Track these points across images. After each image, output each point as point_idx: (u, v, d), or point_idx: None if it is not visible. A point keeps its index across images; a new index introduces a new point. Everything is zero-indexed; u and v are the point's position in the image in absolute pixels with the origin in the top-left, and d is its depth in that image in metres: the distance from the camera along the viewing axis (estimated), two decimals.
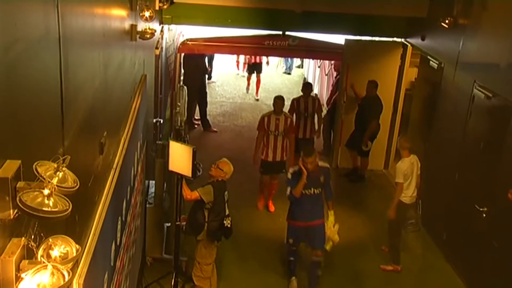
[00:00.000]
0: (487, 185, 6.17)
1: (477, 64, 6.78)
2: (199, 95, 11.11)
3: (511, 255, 5.64)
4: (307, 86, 9.30)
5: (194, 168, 5.43)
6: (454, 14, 7.15)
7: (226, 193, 5.81)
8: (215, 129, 11.34)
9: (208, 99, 11.63)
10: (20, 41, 1.70)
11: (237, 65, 15.61)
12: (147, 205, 6.45)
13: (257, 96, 13.83)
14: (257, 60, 13.86)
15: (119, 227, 3.77)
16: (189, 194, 5.71)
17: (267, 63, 15.01)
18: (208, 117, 11.41)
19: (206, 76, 12.16)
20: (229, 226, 5.82)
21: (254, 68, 13.87)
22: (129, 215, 4.41)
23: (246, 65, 14.40)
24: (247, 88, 14.23)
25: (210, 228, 5.77)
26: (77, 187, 1.68)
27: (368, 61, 9.30)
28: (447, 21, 7.12)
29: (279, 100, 7.90)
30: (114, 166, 3.57)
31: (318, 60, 13.45)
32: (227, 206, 5.84)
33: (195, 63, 10.87)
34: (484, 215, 6.13)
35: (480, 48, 6.74)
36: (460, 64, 7.04)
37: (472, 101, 6.60)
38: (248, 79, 14.20)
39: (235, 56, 15.39)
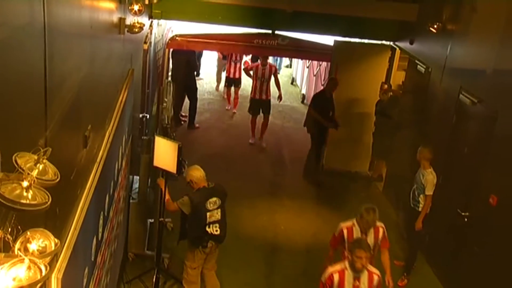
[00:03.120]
0: (470, 190, 6.22)
1: (463, 70, 6.83)
2: (189, 92, 11.07)
3: (491, 260, 5.68)
4: (370, 216, 5.29)
5: (179, 165, 5.40)
6: (442, 20, 7.19)
7: (213, 200, 5.59)
8: (197, 125, 11.28)
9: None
10: (3, 27, 1.66)
11: (228, 99, 12.48)
12: (131, 200, 6.40)
13: (262, 143, 10.60)
14: (263, 96, 10.44)
15: (101, 221, 3.73)
16: (170, 206, 5.64)
17: (280, 98, 11.01)
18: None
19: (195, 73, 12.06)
20: (215, 233, 5.63)
21: (260, 106, 10.50)
22: (112, 210, 4.37)
23: (248, 102, 11.12)
24: (252, 137, 10.64)
25: (189, 235, 5.69)
26: (57, 180, 1.64)
27: (356, 63, 9.33)
28: (435, 26, 7.16)
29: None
30: (98, 160, 3.53)
31: (307, 60, 13.46)
32: (216, 212, 5.62)
33: (185, 59, 10.82)
34: (466, 220, 6.17)
35: (467, 54, 6.79)
36: (447, 69, 7.08)
37: (458, 106, 6.64)
38: (253, 122, 10.62)
39: (223, 83, 12.86)
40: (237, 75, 12.04)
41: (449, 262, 6.62)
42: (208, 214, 5.55)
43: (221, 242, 5.75)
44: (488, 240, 5.79)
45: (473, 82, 6.44)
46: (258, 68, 10.41)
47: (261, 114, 10.64)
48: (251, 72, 10.72)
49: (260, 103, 10.46)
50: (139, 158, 6.45)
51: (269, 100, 10.56)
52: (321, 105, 9.07)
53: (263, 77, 10.39)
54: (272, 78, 10.64)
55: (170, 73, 11.48)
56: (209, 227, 5.58)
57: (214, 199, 5.60)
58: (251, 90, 10.64)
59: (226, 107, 12.47)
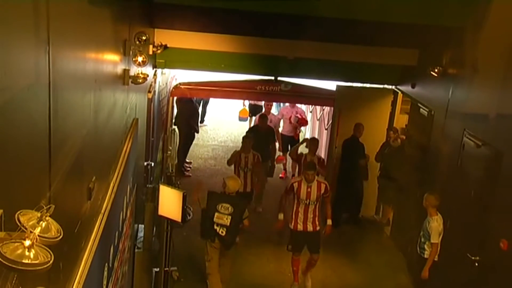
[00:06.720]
0: (479, 234, 6.12)
1: (466, 112, 6.85)
2: (190, 139, 11.14)
3: None
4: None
5: (184, 213, 5.39)
6: (443, 64, 7.28)
7: (226, 205, 6.42)
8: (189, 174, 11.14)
9: (201, 142, 11.63)
10: (8, 89, 1.68)
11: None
12: (136, 249, 6.34)
13: (307, 282, 7.34)
14: (310, 227, 7.04)
15: (105, 273, 3.69)
16: (194, 196, 6.52)
17: (328, 230, 7.25)
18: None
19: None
20: (221, 234, 6.43)
21: (304, 241, 7.15)
22: (117, 261, 4.32)
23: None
24: (295, 282, 7.26)
25: (201, 227, 6.66)
26: (60, 237, 1.63)
27: (359, 107, 9.40)
28: (436, 70, 7.24)
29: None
30: (102, 211, 3.52)
31: (310, 106, 13.55)
32: (226, 218, 6.39)
33: (191, 108, 10.91)
34: (477, 264, 6.05)
35: (469, 97, 6.83)
36: (450, 112, 7.10)
37: (463, 149, 6.63)
38: (295, 263, 7.26)
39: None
40: (248, 189, 8.65)
41: None
42: (216, 214, 6.40)
43: (226, 245, 6.56)
44: (499, 285, 5.65)
45: (477, 125, 6.44)
46: (301, 186, 7.02)
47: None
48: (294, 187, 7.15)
49: (304, 237, 7.14)
50: (144, 206, 6.43)
51: (318, 233, 7.17)
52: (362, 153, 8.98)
53: (308, 198, 7.01)
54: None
55: (173, 121, 11.58)
56: (217, 226, 6.43)
57: (227, 205, 6.45)
58: (290, 219, 7.17)
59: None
